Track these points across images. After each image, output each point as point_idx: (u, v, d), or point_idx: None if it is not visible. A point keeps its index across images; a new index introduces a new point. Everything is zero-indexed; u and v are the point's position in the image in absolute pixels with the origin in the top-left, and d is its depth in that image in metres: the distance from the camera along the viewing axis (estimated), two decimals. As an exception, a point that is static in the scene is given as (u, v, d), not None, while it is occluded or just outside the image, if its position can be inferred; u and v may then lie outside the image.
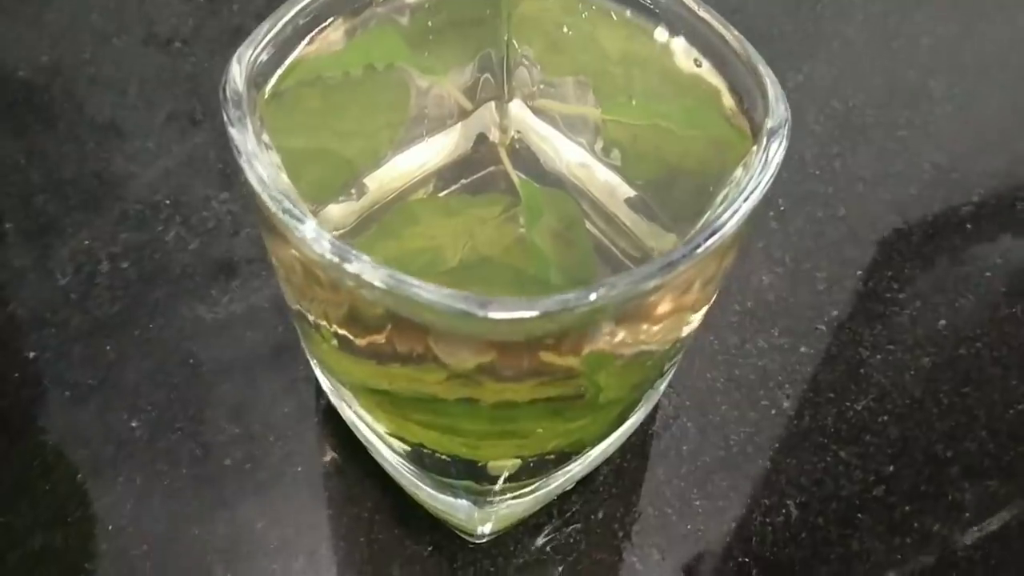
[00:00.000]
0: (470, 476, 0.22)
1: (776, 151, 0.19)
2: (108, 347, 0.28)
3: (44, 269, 0.30)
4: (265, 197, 0.17)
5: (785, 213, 0.33)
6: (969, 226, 0.33)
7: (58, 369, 0.28)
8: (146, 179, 0.32)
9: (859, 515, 0.27)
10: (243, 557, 0.25)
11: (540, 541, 0.26)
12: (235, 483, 0.26)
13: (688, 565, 0.26)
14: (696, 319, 0.22)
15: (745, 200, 0.18)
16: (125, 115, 0.34)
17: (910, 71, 0.38)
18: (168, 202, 0.31)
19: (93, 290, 0.29)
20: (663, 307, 0.19)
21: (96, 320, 0.29)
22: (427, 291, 0.16)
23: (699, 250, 0.17)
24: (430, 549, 0.25)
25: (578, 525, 0.26)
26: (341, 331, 0.20)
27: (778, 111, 0.19)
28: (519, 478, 0.23)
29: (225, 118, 0.17)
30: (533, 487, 0.24)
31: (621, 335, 0.19)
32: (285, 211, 0.16)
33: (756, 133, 0.20)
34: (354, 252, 0.16)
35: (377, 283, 0.16)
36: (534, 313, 0.16)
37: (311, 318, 0.20)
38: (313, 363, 0.25)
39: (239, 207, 0.31)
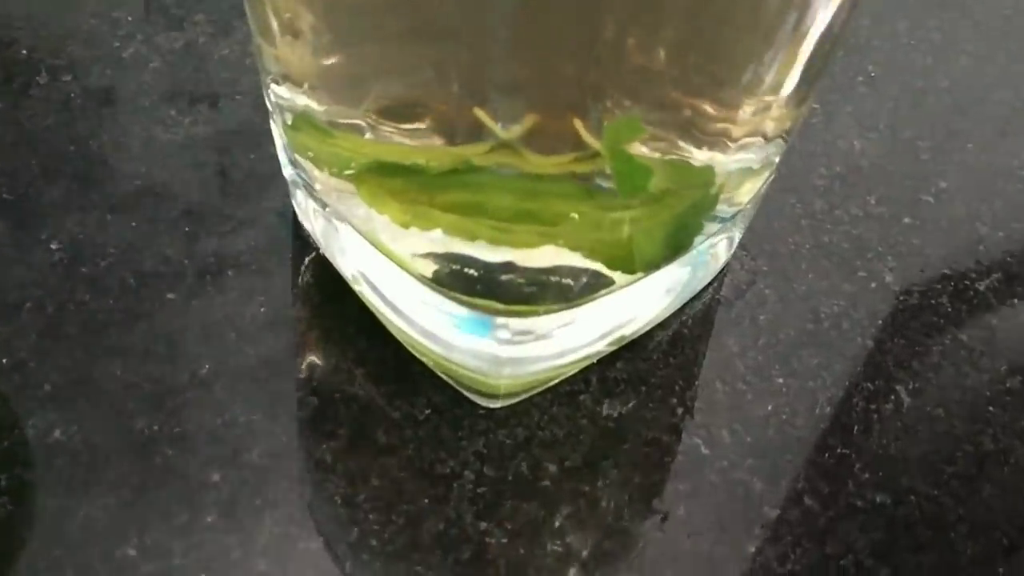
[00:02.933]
0: (495, 286, 0.17)
1: None
2: (33, 161, 0.22)
3: (-32, 82, 0.24)
4: None
5: (876, 80, 0.27)
6: (1098, 110, 0.27)
7: (-32, 186, 0.22)
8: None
9: (991, 408, 0.20)
10: (184, 406, 0.19)
11: (573, 411, 0.19)
12: (175, 317, 0.20)
13: (770, 452, 0.19)
14: (785, 100, 0.16)
15: None
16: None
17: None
18: (130, 19, 0.26)
19: (24, 101, 0.23)
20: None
21: (23, 132, 0.23)
22: None
23: None
24: (427, 413, 0.19)
25: (624, 395, 0.20)
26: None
27: None
28: (547, 294, 0.17)
29: None
30: (564, 318, 0.18)
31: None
32: None
33: None
34: None
35: None
36: None
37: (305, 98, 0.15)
38: (301, 180, 0.19)
39: (216, 29, 0.26)
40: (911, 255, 0.23)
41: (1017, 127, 0.26)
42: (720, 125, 0.17)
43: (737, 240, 0.21)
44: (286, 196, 0.22)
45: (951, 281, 0.23)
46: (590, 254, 0.17)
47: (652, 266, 0.18)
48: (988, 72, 0.28)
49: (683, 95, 0.16)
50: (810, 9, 0.15)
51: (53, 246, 0.21)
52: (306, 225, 0.21)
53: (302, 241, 0.21)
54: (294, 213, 0.22)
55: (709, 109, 0.16)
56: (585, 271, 0.17)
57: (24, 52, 0.25)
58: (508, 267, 0.17)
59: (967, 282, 0.23)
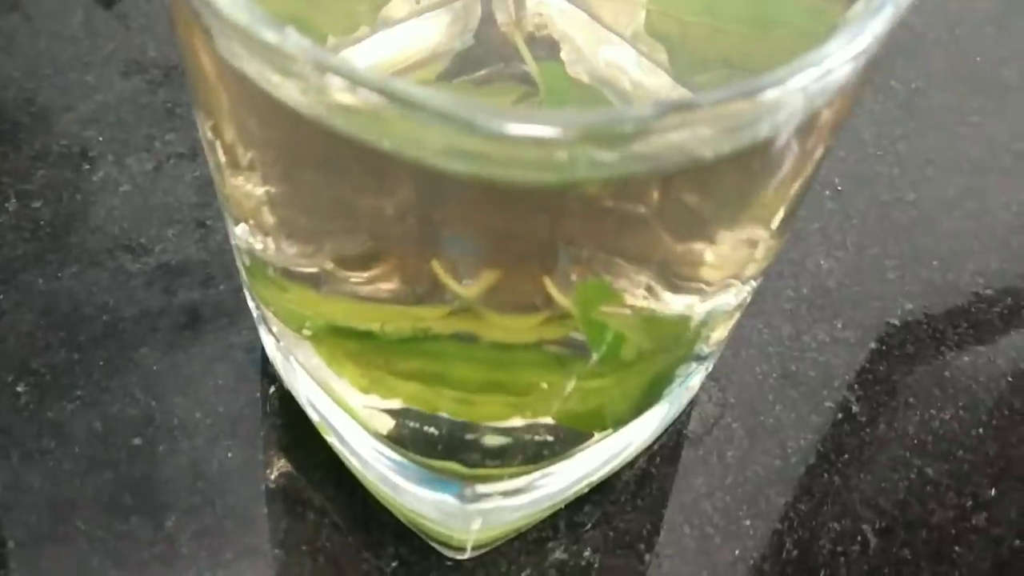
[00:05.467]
0: (456, 450, 0.17)
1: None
2: (0, 296, 0.22)
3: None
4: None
5: (843, 194, 0.27)
6: (1061, 221, 0.28)
7: (-66, 321, 0.22)
8: (78, 114, 0.26)
9: (956, 548, 0.21)
10: (151, 561, 0.19)
11: (541, 560, 0.19)
12: (143, 467, 0.20)
13: (737, 601, 0.19)
14: (765, 247, 0.16)
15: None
16: (62, 48, 0.28)
17: (977, 59, 0.33)
18: (101, 139, 0.26)
19: (-8, 230, 0.23)
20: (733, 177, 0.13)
21: (-10, 264, 0.23)
22: (423, 93, 0.10)
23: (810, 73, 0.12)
24: (394, 565, 0.19)
25: (593, 542, 0.20)
26: (307, 246, 0.15)
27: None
28: (516, 457, 0.17)
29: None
30: (533, 477, 0.18)
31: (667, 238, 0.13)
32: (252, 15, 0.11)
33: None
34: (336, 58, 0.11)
35: (368, 87, 0.11)
36: (573, 127, 0.11)
37: (267, 241, 0.15)
38: (263, 324, 0.19)
39: (186, 149, 0.26)
40: (877, 383, 0.23)
41: (982, 243, 0.27)
42: (699, 271, 0.16)
43: (710, 369, 0.21)
44: (254, 330, 0.22)
45: (916, 411, 0.23)
46: (561, 420, 0.17)
47: (626, 422, 0.18)
48: (953, 183, 0.28)
49: (660, 247, 0.16)
50: (798, 185, 0.15)
51: (19, 388, 0.21)
52: (271, 357, 0.21)
53: (270, 377, 0.21)
54: (263, 348, 0.22)
55: (688, 257, 0.16)
56: (557, 428, 0.17)
57: (-7, 176, 0.25)
58: (471, 427, 0.17)
59: (932, 411, 0.23)
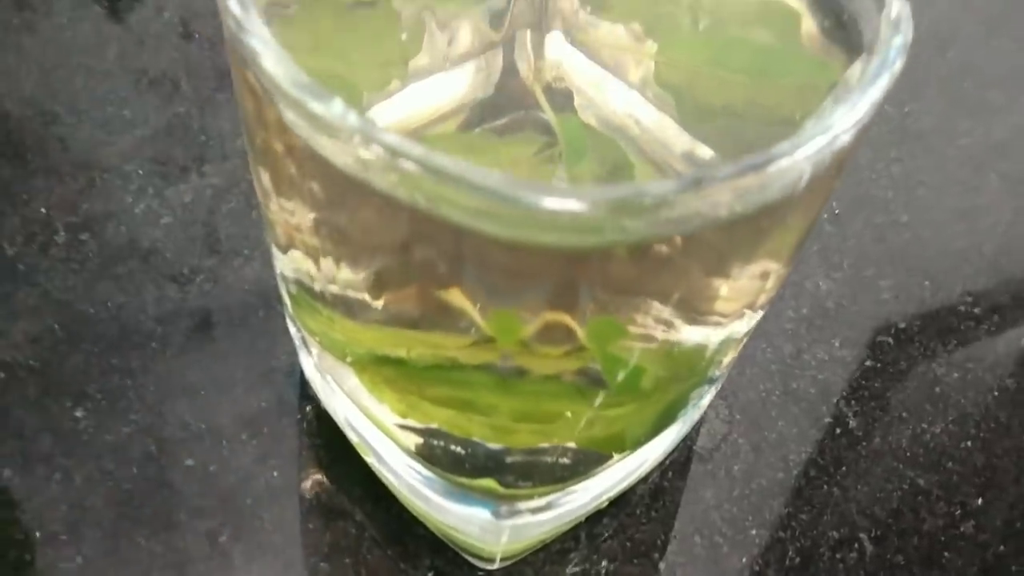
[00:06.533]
0: (489, 471, 0.18)
1: (899, 39, 0.15)
2: (56, 325, 0.24)
3: (-10, 239, 0.25)
4: (274, 69, 0.13)
5: (840, 217, 0.29)
6: (1045, 240, 0.30)
7: (-6, 349, 0.23)
8: (118, 148, 0.28)
9: (945, 554, 0.22)
10: (207, 575, 0.20)
11: (564, 570, 0.21)
12: (196, 487, 0.21)
13: (745, 605, 0.21)
14: (776, 276, 0.18)
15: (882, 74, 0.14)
16: (99, 81, 0.30)
17: (966, 83, 0.35)
18: (141, 172, 0.27)
19: (44, 262, 0.25)
20: (752, 237, 0.15)
21: (45, 294, 0.24)
22: (472, 171, 0.12)
23: (809, 148, 0.13)
24: (430, 575, 0.21)
25: (610, 552, 0.21)
26: (356, 287, 0.16)
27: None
28: (543, 480, 0.19)
29: (224, 7, 0.14)
30: (558, 495, 0.19)
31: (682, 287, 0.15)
32: (297, 83, 0.13)
33: (853, 51, 0.17)
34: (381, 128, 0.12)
35: (410, 159, 0.12)
36: (602, 203, 0.12)
37: (316, 275, 0.16)
38: (302, 348, 0.21)
39: (222, 181, 0.27)
40: (872, 398, 0.25)
41: (971, 263, 0.28)
42: (715, 305, 0.18)
43: (719, 387, 0.23)
44: (293, 354, 0.23)
45: (908, 425, 0.24)
46: (583, 445, 0.19)
47: (643, 443, 0.20)
48: (943, 204, 0.30)
49: (677, 289, 0.17)
50: (808, 224, 0.17)
51: (78, 413, 0.22)
52: (310, 380, 0.23)
53: (309, 399, 0.23)
54: (302, 370, 0.23)
55: (704, 294, 0.17)
56: (580, 452, 0.19)
57: (43, 210, 0.26)
58: (504, 451, 0.18)
59: (923, 425, 0.24)
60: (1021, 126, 0.33)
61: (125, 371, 0.23)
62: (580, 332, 0.16)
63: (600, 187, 0.13)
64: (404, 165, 0.12)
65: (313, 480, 0.22)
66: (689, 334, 0.17)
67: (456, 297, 0.15)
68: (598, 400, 0.17)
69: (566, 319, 0.15)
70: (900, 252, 0.28)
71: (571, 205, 0.12)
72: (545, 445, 0.18)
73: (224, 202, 0.27)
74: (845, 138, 0.14)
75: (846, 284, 0.27)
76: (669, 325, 0.17)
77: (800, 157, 0.13)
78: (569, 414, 0.18)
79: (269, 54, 0.14)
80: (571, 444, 0.18)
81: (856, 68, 0.17)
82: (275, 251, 0.20)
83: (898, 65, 0.15)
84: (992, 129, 0.33)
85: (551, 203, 0.12)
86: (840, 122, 0.14)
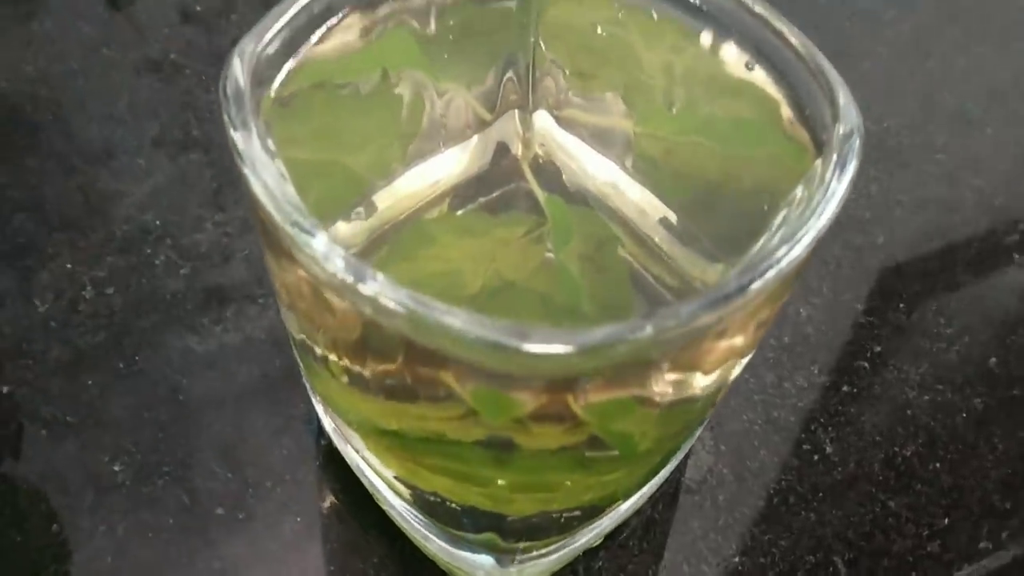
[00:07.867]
0: (489, 529, 0.20)
1: (850, 161, 0.16)
2: (90, 381, 0.26)
3: (22, 295, 0.27)
4: (270, 207, 0.14)
5: (819, 241, 0.30)
6: (1016, 256, 0.31)
7: (35, 405, 0.25)
8: (135, 199, 0.30)
9: (913, 574, 0.24)
10: (234, 618, 0.22)
11: (564, 601, 0.23)
12: (226, 534, 0.24)
13: (728, 629, 0.23)
14: (748, 355, 0.19)
15: (819, 217, 0.15)
16: (113, 129, 0.32)
17: (945, 93, 0.36)
18: (158, 223, 0.29)
19: (75, 318, 0.27)
20: (727, 339, 0.17)
21: (78, 351, 0.26)
22: (456, 318, 0.14)
23: (771, 273, 0.15)
24: (442, 610, 0.23)
25: (606, 583, 0.24)
26: (351, 364, 0.17)
27: (849, 116, 0.17)
28: (545, 535, 0.21)
29: (225, 118, 0.15)
30: (559, 543, 0.21)
31: (671, 376, 0.17)
32: (294, 224, 0.14)
33: (820, 146, 0.18)
34: (370, 271, 0.14)
35: (397, 307, 0.14)
36: (580, 346, 0.14)
37: (317, 350, 0.18)
38: (315, 400, 0.23)
39: (235, 228, 0.29)
40: (847, 424, 0.27)
41: (944, 284, 0.30)
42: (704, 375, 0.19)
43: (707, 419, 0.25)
44: (310, 403, 0.25)
45: (881, 449, 0.26)
46: (587, 503, 0.20)
47: (643, 487, 0.22)
48: (917, 224, 0.31)
49: (663, 384, 0.18)
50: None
51: (116, 467, 0.24)
52: (326, 428, 0.25)
53: (325, 446, 0.25)
54: (318, 418, 0.25)
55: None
56: (580, 514, 0.20)
57: (69, 266, 0.28)
58: (503, 515, 0.20)
59: (895, 448, 0.26)
60: (996, 139, 0.34)
61: (155, 424, 0.25)
62: (579, 409, 0.16)
63: (578, 332, 0.14)
64: (392, 307, 0.14)
65: (332, 524, 0.24)
66: (686, 391, 0.18)
67: (443, 376, 0.16)
68: (598, 467, 0.19)
69: (564, 399, 0.16)
70: (876, 274, 0.30)
71: (552, 349, 0.14)
72: (547, 510, 0.20)
73: (238, 249, 0.29)
74: (802, 255, 0.16)
75: (825, 309, 0.29)
76: (665, 395, 0.18)
77: (755, 289, 0.15)
78: (569, 483, 0.19)
79: (266, 197, 0.15)
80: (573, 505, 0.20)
81: (818, 163, 0.18)
82: (281, 307, 0.21)
83: (847, 182, 0.17)
84: (968, 142, 0.34)
85: (534, 348, 0.14)
86: (794, 250, 0.16)
